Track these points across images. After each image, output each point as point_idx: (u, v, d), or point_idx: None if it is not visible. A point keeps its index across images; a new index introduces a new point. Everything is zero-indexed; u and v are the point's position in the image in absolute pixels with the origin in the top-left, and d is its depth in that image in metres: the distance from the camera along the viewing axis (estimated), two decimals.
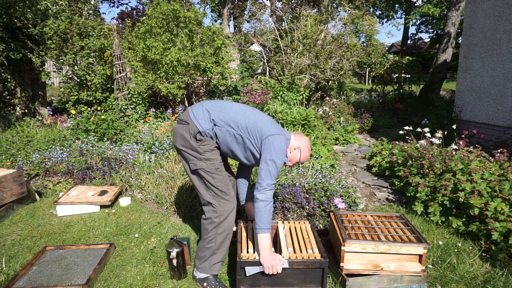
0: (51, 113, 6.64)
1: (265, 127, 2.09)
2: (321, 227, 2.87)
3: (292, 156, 2.20)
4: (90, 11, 8.15)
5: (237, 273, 1.96)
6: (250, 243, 2.12)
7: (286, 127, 5.41)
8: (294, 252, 2.03)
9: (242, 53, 11.41)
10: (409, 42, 25.86)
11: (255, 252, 2.04)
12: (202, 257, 2.15)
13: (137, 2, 27.97)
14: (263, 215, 1.94)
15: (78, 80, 7.04)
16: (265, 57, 9.78)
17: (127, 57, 6.67)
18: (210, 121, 2.10)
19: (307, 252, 2.02)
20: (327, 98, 8.52)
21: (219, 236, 2.12)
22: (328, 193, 3.11)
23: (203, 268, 2.14)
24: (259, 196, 1.95)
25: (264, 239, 1.94)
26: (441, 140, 4.11)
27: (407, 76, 10.71)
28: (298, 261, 1.94)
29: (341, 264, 2.12)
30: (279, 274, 1.94)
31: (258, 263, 1.93)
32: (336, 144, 5.97)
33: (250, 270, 1.94)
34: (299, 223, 2.40)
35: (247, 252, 2.04)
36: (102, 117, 5.13)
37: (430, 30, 24.01)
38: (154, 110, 6.39)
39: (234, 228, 2.37)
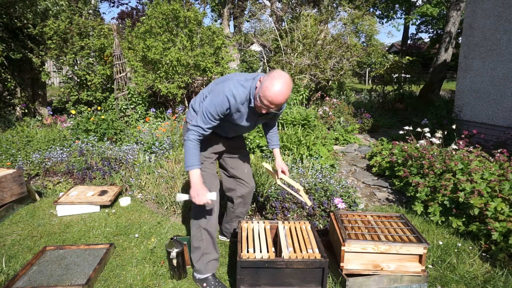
0: (51, 113, 6.64)
1: (216, 83, 2.04)
2: (321, 227, 2.87)
3: (255, 95, 1.88)
4: (90, 11, 8.15)
5: (237, 273, 1.96)
6: (250, 243, 2.13)
7: (286, 127, 5.41)
8: (294, 251, 2.03)
9: (242, 53, 11.41)
10: (409, 42, 25.87)
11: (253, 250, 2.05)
12: (194, 259, 2.16)
13: (137, 2, 27.99)
14: (185, 153, 1.96)
15: (78, 80, 7.04)
16: (265, 57, 9.78)
17: (127, 57, 6.67)
18: (192, 109, 2.15)
19: (307, 252, 2.02)
20: (327, 98, 8.52)
21: (205, 234, 2.13)
22: (328, 193, 3.11)
23: (199, 270, 2.14)
24: (185, 137, 1.98)
25: (192, 175, 1.94)
26: (441, 140, 4.11)
27: (407, 76, 10.71)
28: (298, 261, 1.94)
29: (341, 264, 2.12)
30: (279, 273, 1.94)
31: (257, 264, 1.94)
32: (336, 144, 5.97)
33: (180, 197, 2.02)
34: (299, 223, 2.40)
35: (247, 251, 2.04)
36: (102, 117, 5.13)
37: (430, 30, 24.02)
38: (154, 110, 6.39)
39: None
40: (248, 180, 2.41)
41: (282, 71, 1.86)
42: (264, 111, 1.87)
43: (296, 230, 2.30)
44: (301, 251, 2.03)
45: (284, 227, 2.32)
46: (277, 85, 1.76)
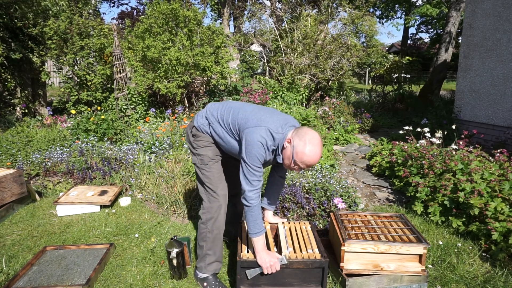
0: (51, 113, 6.64)
1: (246, 121, 1.92)
2: (321, 227, 2.87)
3: (285, 153, 1.88)
4: (90, 11, 8.15)
5: (237, 273, 1.96)
6: (250, 243, 2.13)
7: None
8: (294, 252, 2.03)
9: (242, 53, 11.42)
10: (409, 42, 25.86)
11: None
12: (198, 255, 2.18)
13: (137, 2, 27.99)
14: (248, 220, 1.94)
15: (78, 80, 7.04)
16: (265, 57, 9.78)
17: (127, 57, 6.67)
18: (205, 118, 2.13)
19: (307, 252, 2.02)
20: (327, 98, 8.53)
21: (209, 234, 2.13)
22: (328, 193, 3.11)
23: (200, 267, 2.15)
24: (243, 202, 1.94)
25: (256, 242, 1.94)
26: (441, 140, 4.11)
27: (407, 76, 10.71)
28: (298, 261, 1.94)
29: (341, 264, 2.12)
30: (279, 273, 1.94)
31: (257, 264, 1.93)
32: (336, 144, 5.97)
33: (251, 273, 1.94)
34: (299, 223, 2.40)
35: (247, 252, 2.04)
36: (102, 117, 5.13)
37: (430, 30, 24.01)
38: (154, 110, 6.39)
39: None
40: None
41: (310, 128, 1.89)
42: (296, 170, 1.93)
43: (296, 231, 2.30)
44: (301, 251, 2.03)
45: (284, 228, 2.32)
46: (313, 151, 1.81)
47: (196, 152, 2.14)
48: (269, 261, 1.90)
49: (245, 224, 2.33)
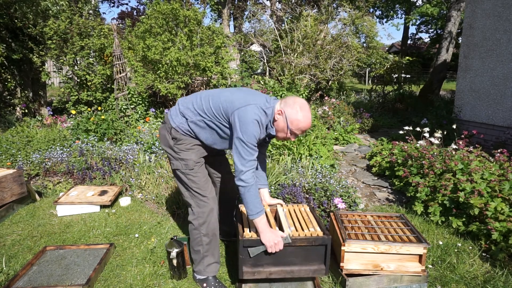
0: (51, 113, 6.65)
1: (232, 103, 1.89)
2: None
3: (278, 125, 1.91)
4: (90, 11, 8.15)
5: (239, 253, 1.90)
6: (251, 224, 2.07)
7: None
8: (296, 230, 2.00)
9: (242, 53, 11.42)
10: (409, 42, 25.86)
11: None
12: (195, 260, 2.14)
13: (137, 2, 27.98)
14: (247, 201, 1.88)
15: (78, 80, 7.04)
16: (265, 57, 9.78)
17: (127, 57, 6.68)
18: (181, 115, 2.03)
19: (309, 230, 1.99)
20: (327, 98, 8.53)
21: (204, 238, 2.08)
22: (328, 193, 3.11)
23: (199, 271, 2.13)
24: (237, 183, 1.88)
25: (259, 222, 1.88)
26: (440, 140, 4.11)
27: (407, 76, 10.71)
28: (301, 238, 1.90)
29: (341, 264, 2.12)
30: (281, 253, 1.90)
31: (260, 243, 1.88)
32: (336, 144, 5.97)
33: (253, 251, 1.90)
34: (297, 205, 2.37)
35: (250, 231, 1.99)
36: (102, 117, 5.13)
37: (430, 30, 24.02)
38: (154, 110, 6.39)
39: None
40: (228, 176, 2.40)
41: (295, 96, 1.94)
42: (293, 139, 1.97)
43: (295, 212, 2.27)
44: (302, 230, 2.00)
45: (283, 210, 2.27)
46: (306, 116, 1.87)
47: (178, 156, 2.04)
48: (273, 240, 1.86)
49: (244, 208, 2.28)
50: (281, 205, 2.34)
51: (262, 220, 1.90)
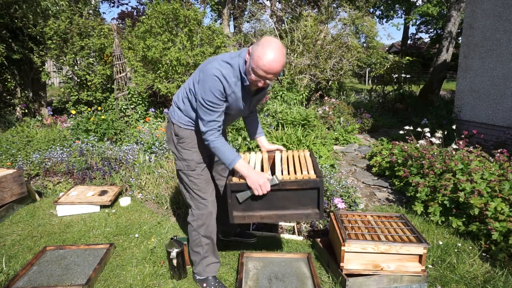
0: (51, 113, 6.64)
1: (202, 66, 1.86)
2: (321, 227, 2.87)
3: (247, 68, 1.77)
4: (90, 11, 8.16)
5: (227, 197, 1.88)
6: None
7: (286, 127, 5.41)
8: (288, 174, 1.93)
9: None
10: (409, 42, 25.87)
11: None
12: (194, 262, 2.15)
13: (137, 2, 27.99)
14: (218, 154, 1.87)
15: (78, 80, 7.04)
16: None
17: (127, 57, 6.68)
18: (177, 109, 2.03)
19: (301, 174, 1.92)
20: (327, 98, 8.53)
21: (204, 239, 2.08)
22: (328, 193, 3.11)
23: (199, 272, 2.14)
24: (205, 141, 1.87)
25: (239, 167, 1.84)
26: (441, 140, 4.11)
27: (407, 76, 10.70)
28: (291, 181, 1.83)
29: (341, 264, 2.12)
30: (272, 197, 1.85)
31: (247, 187, 1.84)
32: (336, 144, 5.97)
33: (242, 196, 1.86)
34: (297, 151, 2.27)
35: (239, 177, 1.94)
36: (102, 117, 5.13)
37: (430, 30, 24.02)
38: (154, 110, 6.39)
39: None
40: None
41: (271, 36, 1.76)
42: (260, 84, 1.78)
43: (293, 158, 2.18)
44: (295, 173, 1.93)
45: (281, 155, 2.20)
46: (270, 53, 1.65)
47: (181, 157, 2.05)
48: (258, 181, 1.79)
49: (241, 154, 2.18)
50: (280, 150, 2.26)
51: (241, 164, 1.85)
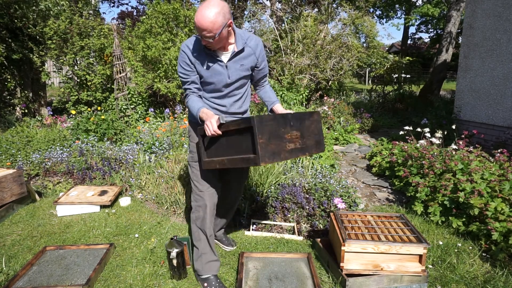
0: (51, 113, 6.63)
1: None
2: (321, 227, 2.87)
3: None
4: (91, 11, 8.15)
5: (198, 143, 2.00)
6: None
7: None
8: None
9: None
10: (409, 42, 25.87)
11: None
12: (194, 257, 2.18)
13: (137, 2, 27.99)
14: (189, 109, 2.01)
15: (78, 80, 7.04)
16: None
17: (127, 57, 6.67)
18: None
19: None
20: (326, 97, 8.52)
21: (202, 234, 2.12)
22: (328, 193, 3.11)
23: (198, 270, 2.15)
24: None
25: (201, 115, 1.90)
26: (441, 140, 4.11)
27: (407, 76, 10.70)
28: (231, 121, 1.80)
29: (341, 264, 2.12)
30: (229, 142, 1.84)
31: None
32: (336, 144, 5.97)
33: (206, 140, 1.96)
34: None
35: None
36: (102, 117, 5.13)
37: (430, 30, 24.02)
38: (153, 110, 6.39)
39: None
40: (234, 185, 2.44)
41: None
42: (204, 43, 1.85)
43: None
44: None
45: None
46: (198, 10, 1.75)
47: (189, 149, 2.18)
48: (207, 121, 1.82)
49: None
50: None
51: (203, 112, 1.89)
